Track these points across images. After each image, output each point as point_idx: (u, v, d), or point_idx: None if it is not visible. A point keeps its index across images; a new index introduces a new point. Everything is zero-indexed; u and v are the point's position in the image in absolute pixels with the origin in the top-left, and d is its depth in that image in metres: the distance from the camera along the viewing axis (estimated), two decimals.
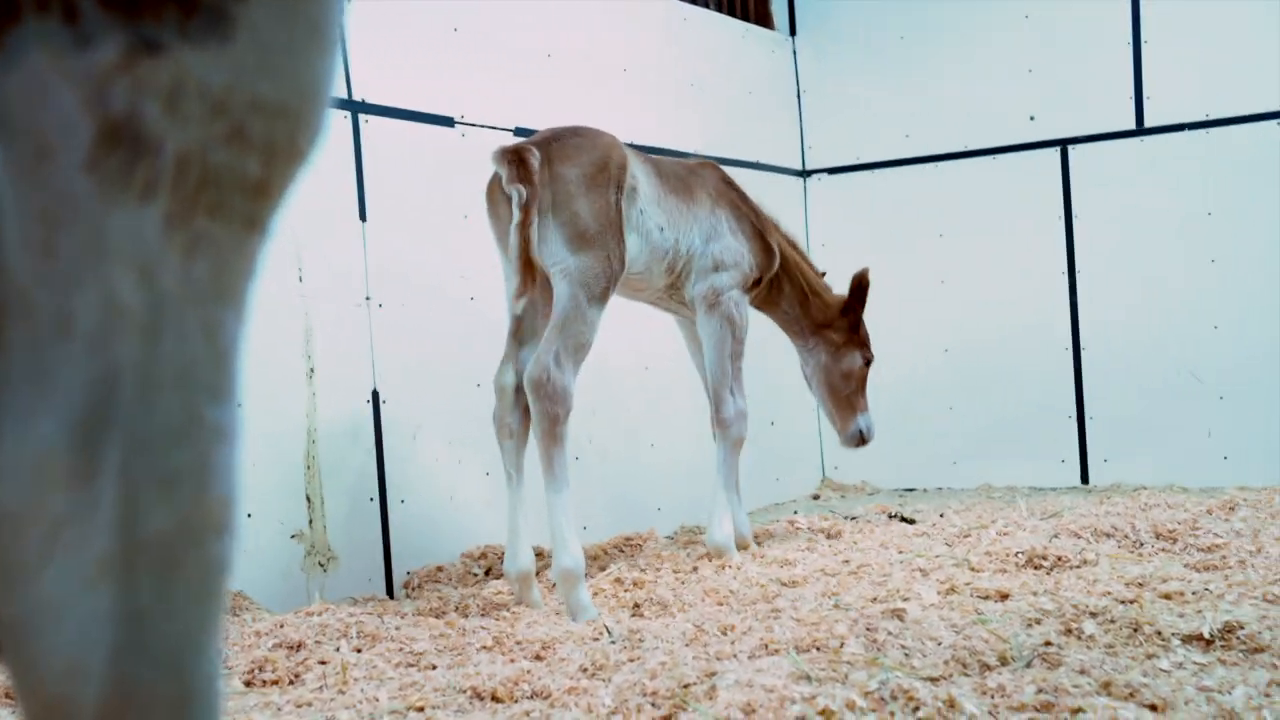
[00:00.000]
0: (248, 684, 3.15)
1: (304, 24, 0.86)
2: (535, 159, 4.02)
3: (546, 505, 3.99)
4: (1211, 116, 6.05)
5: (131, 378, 0.81)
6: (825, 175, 7.04)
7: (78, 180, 0.79)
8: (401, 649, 3.40)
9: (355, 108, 4.49)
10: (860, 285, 5.06)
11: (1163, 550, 4.18)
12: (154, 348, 0.82)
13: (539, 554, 4.61)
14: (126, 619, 0.82)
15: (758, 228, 4.85)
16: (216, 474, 0.85)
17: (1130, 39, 6.24)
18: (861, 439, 5.07)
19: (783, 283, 5.00)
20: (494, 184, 4.17)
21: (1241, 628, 2.93)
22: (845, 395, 5.06)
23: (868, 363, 5.10)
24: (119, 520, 0.81)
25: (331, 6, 0.88)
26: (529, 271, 3.95)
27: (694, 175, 4.76)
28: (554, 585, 4.11)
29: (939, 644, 2.95)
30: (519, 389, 4.15)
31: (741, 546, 4.89)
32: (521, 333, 4.27)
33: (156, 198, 0.81)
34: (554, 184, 4.08)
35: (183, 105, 0.80)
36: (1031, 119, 6.51)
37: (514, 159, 4.01)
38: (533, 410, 3.97)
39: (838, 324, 5.07)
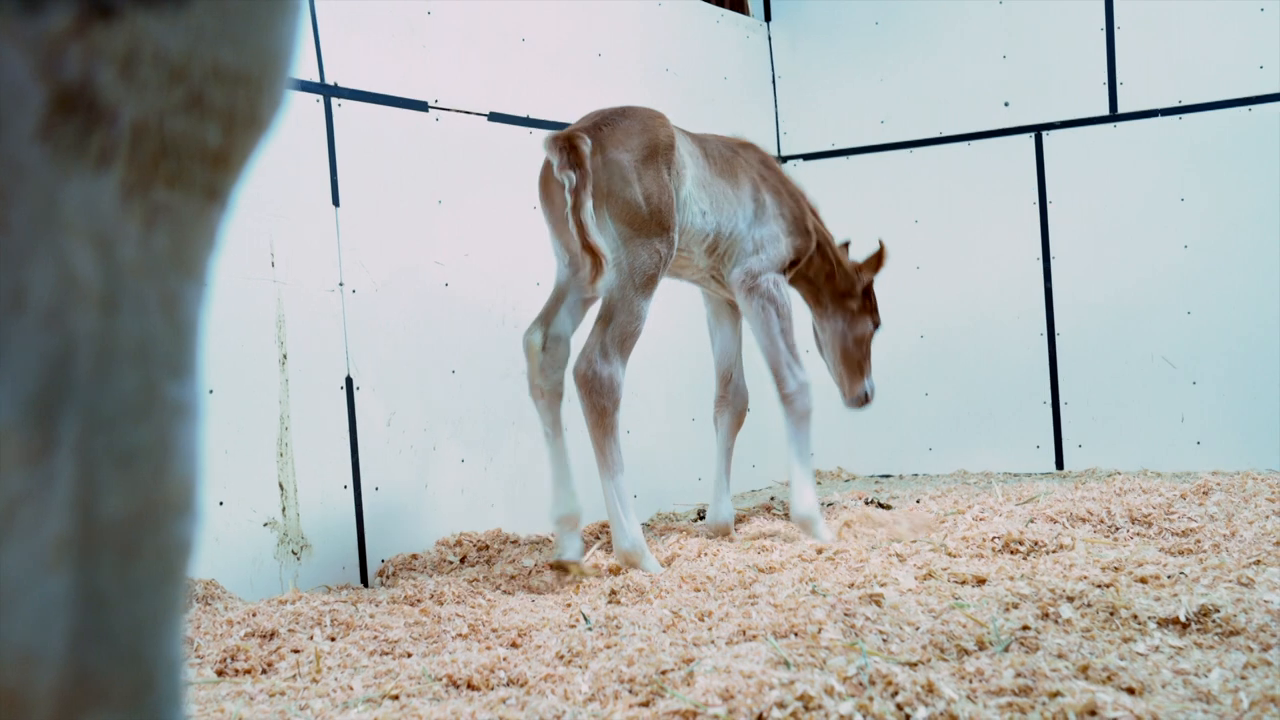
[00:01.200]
0: (220, 673, 3.12)
1: None
2: (587, 145, 4.03)
3: (602, 491, 4.11)
4: (1184, 102, 6.06)
5: (88, 352, 0.78)
6: (801, 161, 7.02)
7: (30, 150, 0.76)
8: (376, 637, 3.37)
9: (328, 91, 4.44)
10: (879, 257, 5.16)
11: (1138, 535, 4.19)
12: (111, 321, 0.79)
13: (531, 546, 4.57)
14: (85, 603, 0.79)
15: (795, 211, 4.84)
16: (178, 452, 0.82)
17: (1104, 25, 6.24)
18: (866, 399, 5.20)
19: (814, 259, 5.02)
20: (546, 171, 4.18)
21: (1217, 611, 2.93)
22: (856, 360, 5.14)
23: (876, 327, 5.20)
24: (76, 500, 0.78)
25: None
26: (594, 256, 3.98)
27: (738, 156, 4.74)
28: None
29: (917, 629, 2.94)
30: (545, 347, 4.27)
31: (723, 533, 4.88)
32: (564, 297, 4.35)
33: (112, 167, 0.78)
34: (606, 170, 4.09)
35: (139, 72, 0.77)
36: (1006, 105, 6.50)
37: (565, 145, 4.02)
38: (581, 403, 4.06)
39: (854, 292, 5.13)
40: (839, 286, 5.11)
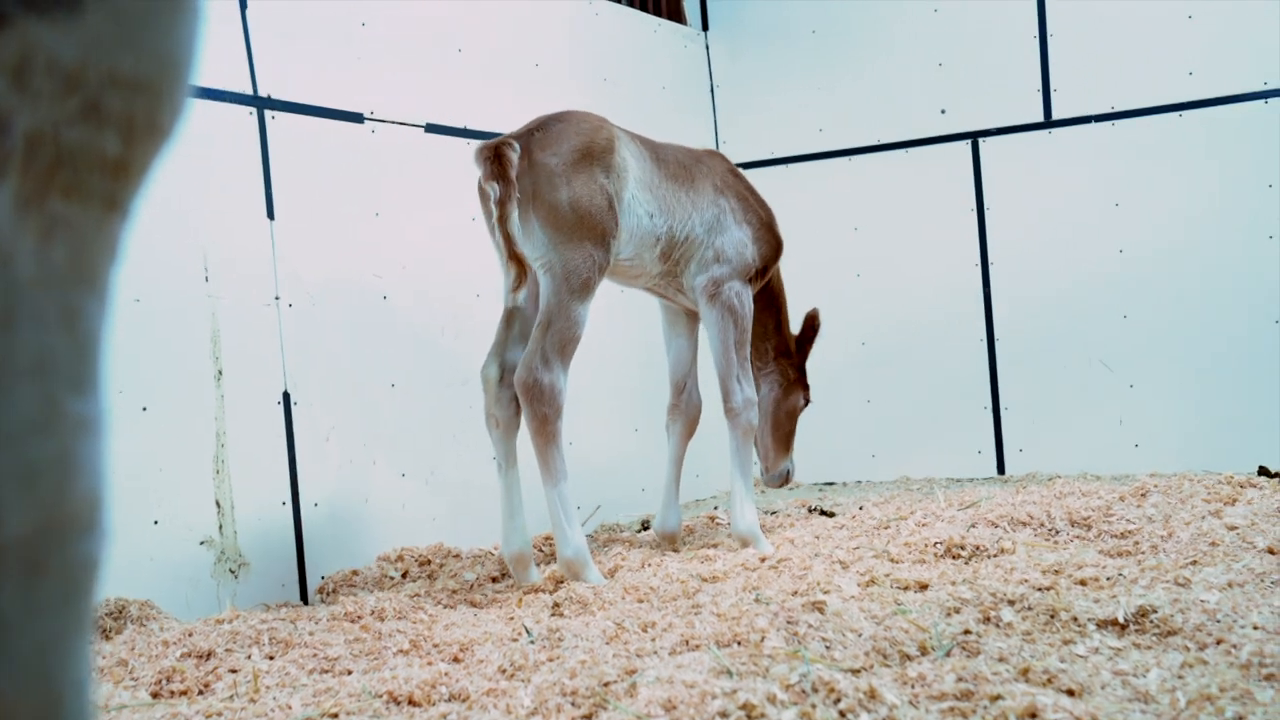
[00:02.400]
0: (155, 695, 3.06)
1: None
2: (515, 153, 4.01)
3: (545, 499, 4.11)
4: (1117, 109, 6.15)
5: None
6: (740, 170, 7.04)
7: None
8: (315, 655, 3.33)
9: (261, 104, 4.40)
10: (811, 325, 5.12)
11: (1078, 537, 4.24)
12: (8, 336, 0.77)
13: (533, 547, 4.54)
14: None
15: (765, 219, 4.82)
16: (81, 469, 0.80)
17: (1037, 32, 6.32)
18: (785, 479, 5.17)
19: (770, 290, 5.00)
20: (480, 182, 4.14)
21: (1154, 611, 2.96)
22: (784, 433, 5.12)
23: (807, 404, 5.17)
24: None
25: None
26: (519, 265, 4.00)
27: (699, 163, 4.72)
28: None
29: (859, 635, 2.95)
30: (503, 380, 4.23)
31: (669, 541, 4.87)
32: (510, 326, 4.31)
33: (6, 178, 0.76)
34: (533, 174, 4.07)
35: (31, 80, 0.75)
36: (943, 112, 6.57)
37: (491, 155, 4.01)
38: (524, 411, 4.05)
39: (793, 359, 5.12)
40: (780, 344, 5.09)
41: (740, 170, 4.97)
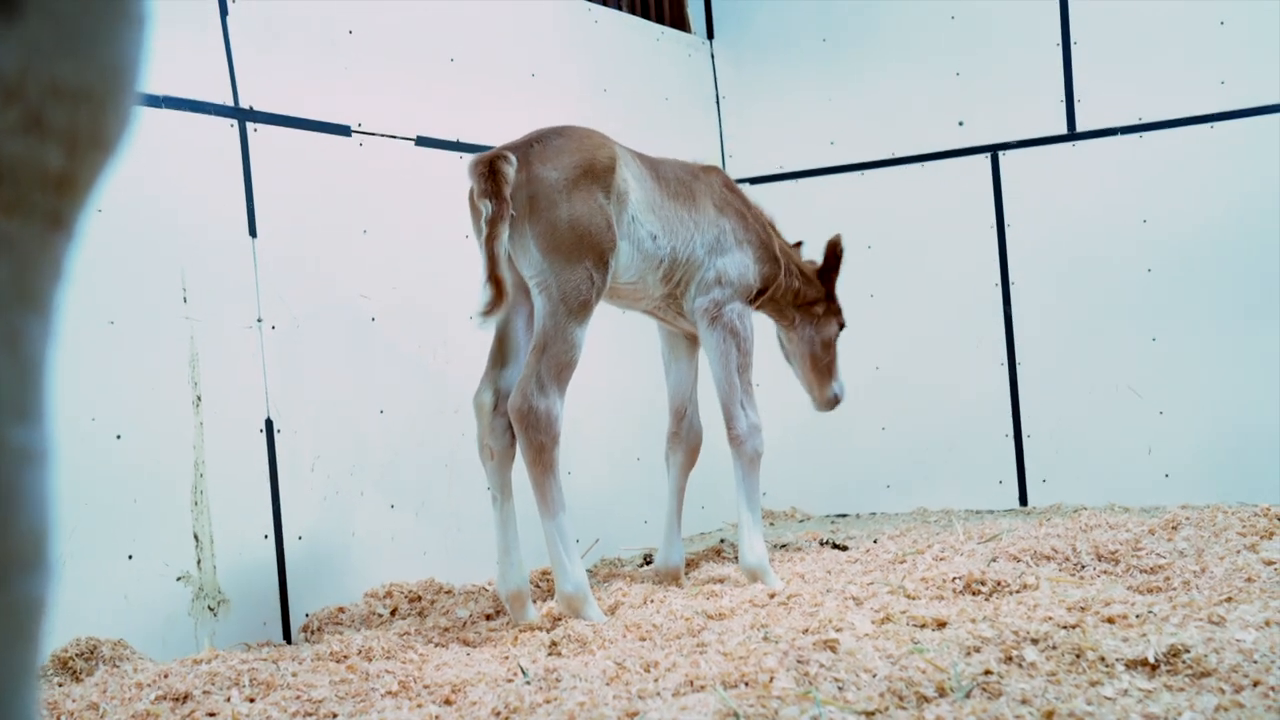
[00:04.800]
0: None
1: None
2: (511, 167, 4.02)
3: (544, 532, 4.12)
4: (1144, 120, 6.17)
5: None
6: (747, 185, 7.07)
7: None
8: (299, 697, 3.32)
9: (243, 116, 4.42)
10: (834, 253, 5.21)
11: (1105, 572, 4.23)
12: None
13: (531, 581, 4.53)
14: None
15: (763, 237, 4.84)
16: (24, 502, 0.79)
17: (1060, 40, 6.34)
18: (836, 400, 5.24)
19: (780, 284, 5.02)
20: (471, 196, 4.13)
21: (1187, 651, 2.95)
22: (825, 364, 5.20)
23: (841, 328, 5.25)
24: None
25: None
26: (497, 288, 3.97)
27: (698, 180, 4.74)
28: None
29: (874, 675, 2.94)
30: (498, 408, 4.24)
31: (672, 578, 4.86)
32: (504, 350, 4.31)
33: None
34: (530, 188, 4.07)
35: None
36: (961, 124, 6.59)
37: (485, 171, 4.00)
38: (518, 439, 4.06)
39: (819, 298, 5.20)
40: (804, 297, 5.15)
41: (737, 185, 4.99)
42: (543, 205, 4.06)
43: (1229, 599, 3.62)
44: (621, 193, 4.27)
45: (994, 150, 6.51)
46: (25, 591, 0.80)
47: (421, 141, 5.12)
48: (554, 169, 4.10)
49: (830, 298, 5.21)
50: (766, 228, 4.92)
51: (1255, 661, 2.89)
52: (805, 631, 3.62)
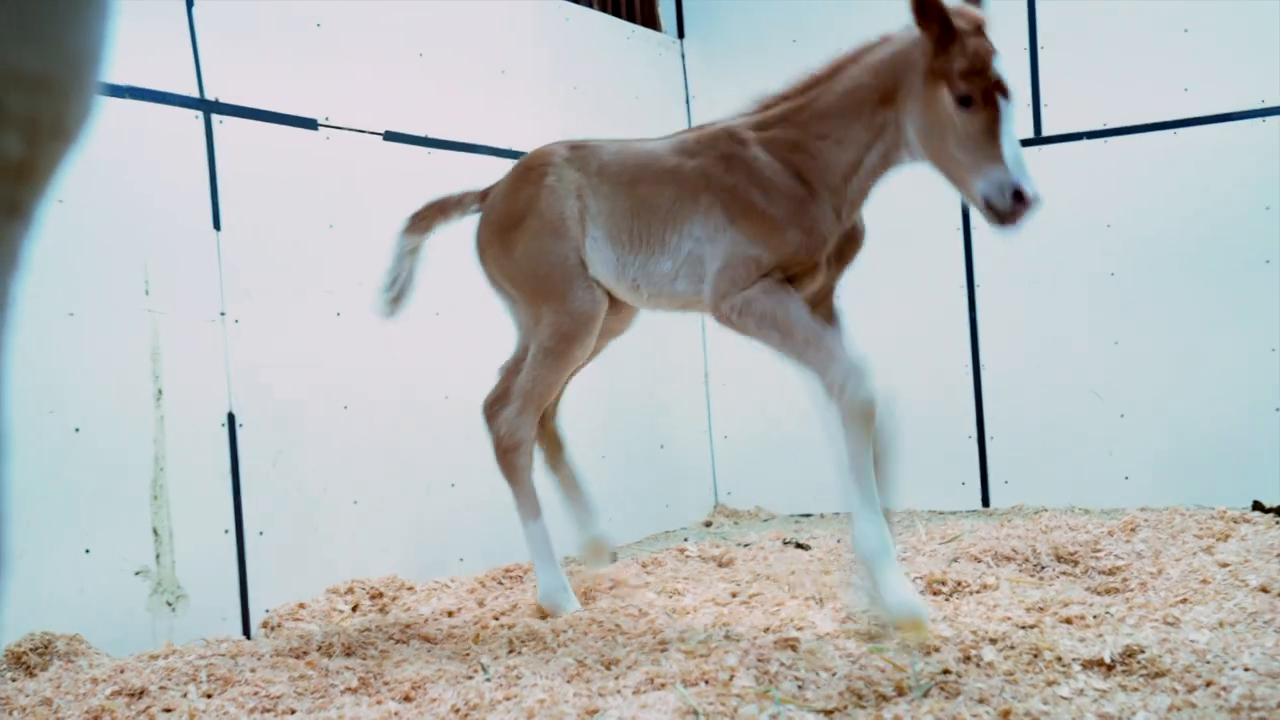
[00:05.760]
0: None
1: None
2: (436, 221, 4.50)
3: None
4: (1109, 125, 6.21)
5: None
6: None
7: None
8: (257, 693, 3.30)
9: (208, 107, 4.38)
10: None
11: (1064, 573, 4.25)
12: None
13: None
14: None
15: (767, 201, 3.86)
16: None
17: (1027, 44, 6.37)
18: (991, 205, 3.61)
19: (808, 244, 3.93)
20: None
21: (1142, 651, 2.98)
22: (954, 147, 3.83)
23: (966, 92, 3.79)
24: None
25: None
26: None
27: (694, 158, 4.08)
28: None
29: (833, 675, 2.95)
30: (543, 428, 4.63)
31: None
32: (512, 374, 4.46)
33: None
34: (483, 249, 4.39)
35: None
36: None
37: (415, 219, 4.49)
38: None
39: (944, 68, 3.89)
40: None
41: (741, 146, 4.08)
42: (495, 263, 4.33)
43: (1184, 600, 3.65)
44: (584, 217, 4.10)
45: None
46: None
47: (390, 136, 5.10)
48: (484, 224, 4.34)
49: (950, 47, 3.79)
50: (786, 196, 3.87)
51: (1208, 662, 2.91)
52: (766, 630, 3.62)
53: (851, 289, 6.67)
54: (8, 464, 0.83)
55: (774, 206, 3.85)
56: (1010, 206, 3.49)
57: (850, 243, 4.20)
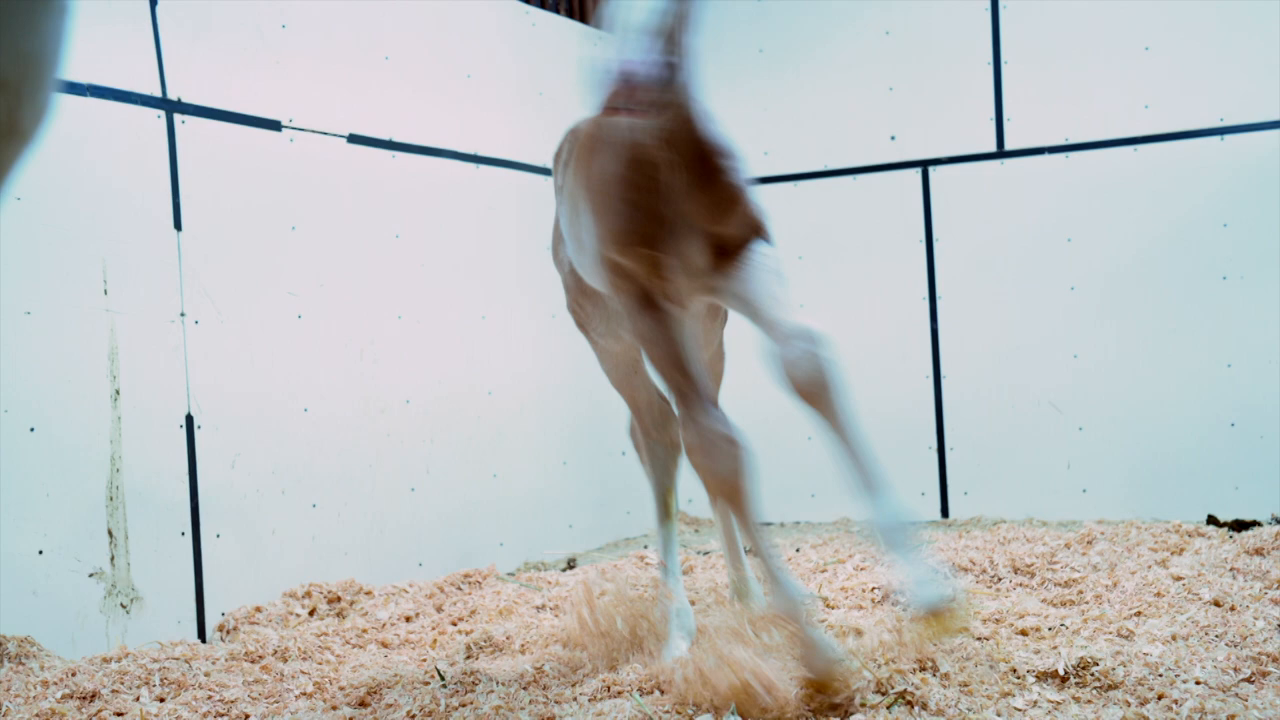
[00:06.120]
0: None
1: None
2: None
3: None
4: (1071, 141, 6.25)
5: None
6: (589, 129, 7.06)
7: None
8: (211, 697, 3.27)
9: (170, 107, 4.35)
10: None
11: (1020, 585, 4.27)
12: None
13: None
14: None
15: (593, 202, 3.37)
16: None
17: (991, 59, 6.41)
18: None
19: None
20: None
21: (1096, 664, 2.99)
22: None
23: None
24: None
25: None
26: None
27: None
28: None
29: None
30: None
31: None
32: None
33: None
34: None
35: None
36: (893, 139, 6.64)
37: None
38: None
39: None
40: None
41: (589, 129, 3.75)
42: None
43: (1138, 613, 3.68)
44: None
45: (925, 165, 6.57)
46: None
47: (354, 139, 5.08)
48: None
49: None
50: (604, 187, 3.29)
51: (1160, 675, 2.93)
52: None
53: (816, 299, 6.71)
54: None
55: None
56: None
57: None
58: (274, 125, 4.73)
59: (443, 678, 3.39)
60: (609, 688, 3.13)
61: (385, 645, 4.02)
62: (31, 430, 3.86)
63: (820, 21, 6.83)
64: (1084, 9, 6.24)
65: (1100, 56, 6.20)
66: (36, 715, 3.07)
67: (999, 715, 2.71)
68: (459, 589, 4.84)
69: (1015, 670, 3.05)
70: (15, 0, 0.79)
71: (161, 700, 3.26)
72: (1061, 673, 2.98)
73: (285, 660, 3.73)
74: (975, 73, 6.47)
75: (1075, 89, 6.25)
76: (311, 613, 4.47)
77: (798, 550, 5.37)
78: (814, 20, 6.84)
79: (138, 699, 3.26)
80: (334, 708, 3.19)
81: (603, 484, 6.37)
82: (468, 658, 3.73)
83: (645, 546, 5.97)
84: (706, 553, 5.49)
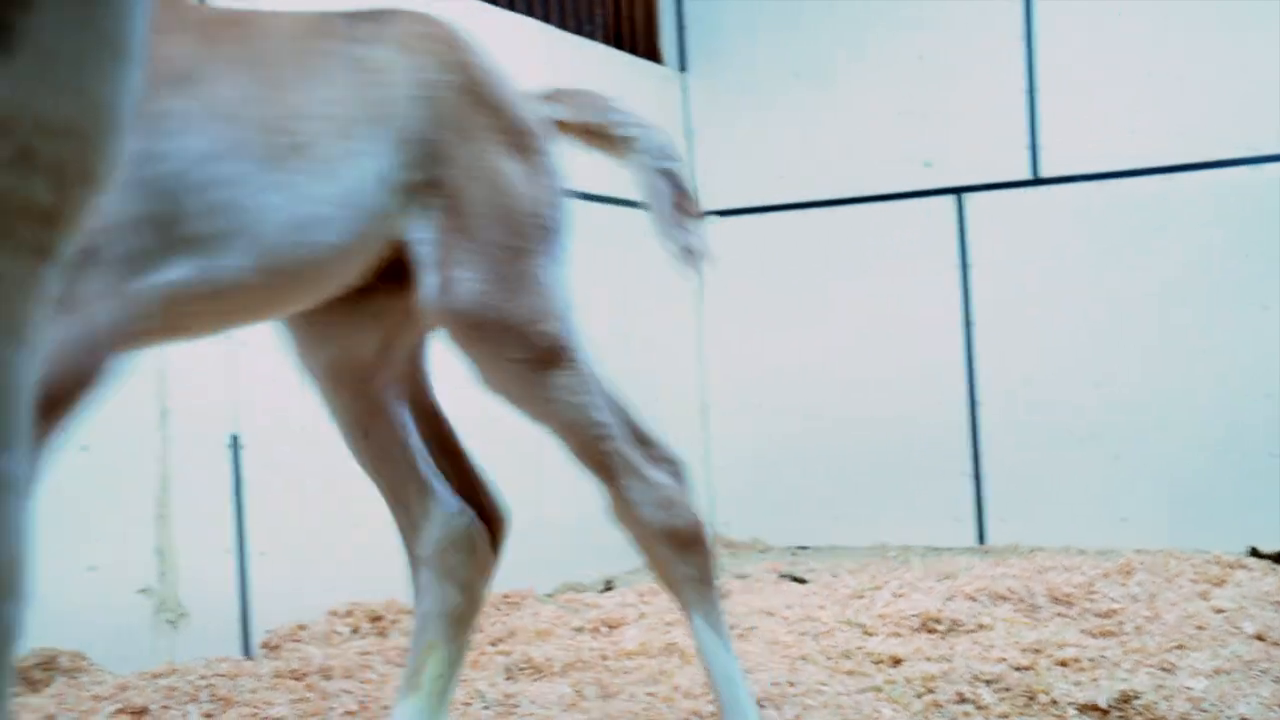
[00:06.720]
0: None
1: (96, 36, 0.82)
2: None
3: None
4: (1107, 169, 6.24)
5: None
6: (717, 218, 7.09)
7: None
8: (256, 714, 3.31)
9: None
10: None
11: (1059, 615, 4.25)
12: None
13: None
14: None
15: None
16: (1, 530, 0.80)
17: (1025, 87, 6.41)
18: None
19: None
20: None
21: (1137, 697, 2.99)
22: None
23: None
24: None
25: (128, 17, 0.84)
26: None
27: None
28: None
29: (835, 710, 2.96)
30: None
31: None
32: None
33: None
34: None
35: None
36: (927, 165, 6.64)
37: None
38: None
39: None
40: None
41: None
42: None
43: (1180, 646, 3.66)
44: None
45: (959, 192, 6.57)
46: (2, 619, 0.81)
47: None
48: None
49: None
50: None
51: (1204, 710, 2.92)
52: (762, 666, 3.63)
53: (852, 323, 6.71)
54: (30, 499, 0.84)
55: None
56: None
57: None
58: None
59: (483, 699, 3.41)
60: (648, 715, 3.14)
61: None
62: (84, 450, 3.91)
63: (854, 47, 6.85)
64: (1119, 38, 6.24)
65: (1136, 84, 6.19)
66: None
67: None
68: (497, 609, 4.86)
69: (1055, 701, 3.05)
70: (88, 52, 0.82)
71: (209, 716, 3.30)
72: (1103, 705, 2.98)
73: (329, 678, 3.75)
74: (1009, 100, 6.47)
75: (1111, 117, 6.24)
76: (354, 631, 4.50)
77: (834, 576, 5.37)
78: (848, 46, 6.86)
79: (185, 715, 3.29)
80: None
81: None
82: (507, 679, 3.75)
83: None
84: (743, 577, 5.49)
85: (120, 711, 3.26)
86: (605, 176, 6.26)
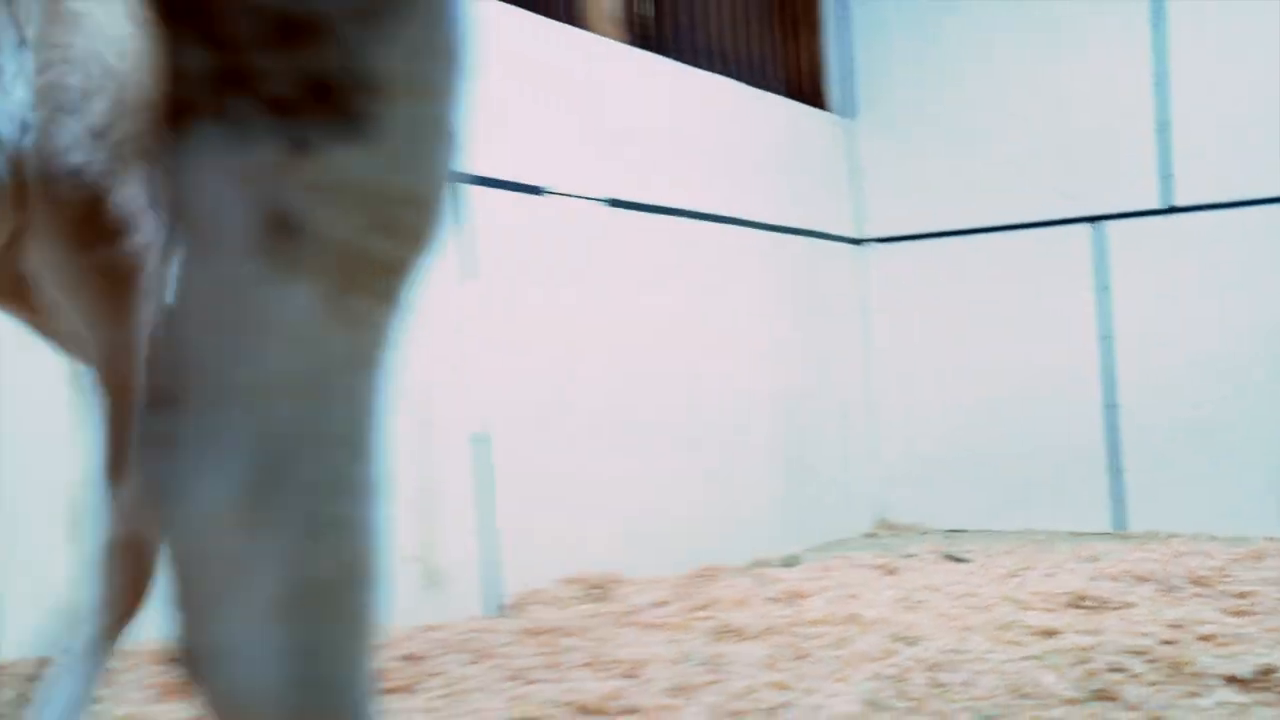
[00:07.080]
0: None
1: (433, 123, 0.89)
2: None
3: None
4: (1237, 198, 6.00)
5: (293, 439, 0.85)
6: (876, 244, 7.04)
7: (244, 264, 0.83)
8: (508, 662, 3.43)
9: None
10: None
11: (1196, 595, 4.11)
12: (312, 412, 0.86)
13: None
14: (299, 654, 0.85)
15: None
16: (365, 526, 0.89)
17: (1155, 116, 6.20)
18: None
19: None
20: None
21: (1276, 670, 2.88)
22: None
23: None
24: (286, 565, 0.85)
25: (455, 107, 0.92)
26: None
27: None
28: None
29: (1000, 677, 2.93)
30: None
31: None
32: None
33: (313, 278, 0.85)
34: None
35: (334, 197, 0.84)
36: (1064, 196, 6.49)
37: None
38: None
39: None
40: None
41: None
42: None
43: None
44: None
45: (1095, 220, 6.40)
46: (368, 596, 0.89)
47: (614, 203, 5.23)
48: None
49: None
50: None
51: None
52: (936, 636, 3.60)
53: (1006, 334, 6.57)
54: (383, 500, 0.92)
55: None
56: None
57: None
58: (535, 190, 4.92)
59: (693, 658, 3.47)
60: (834, 676, 3.16)
61: (644, 626, 4.13)
62: (381, 464, 4.10)
63: (997, 90, 6.70)
64: (1247, 70, 5.97)
65: (1269, 110, 5.91)
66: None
67: (1189, 715, 2.64)
68: (700, 580, 4.91)
69: (1200, 673, 2.96)
70: (429, 134, 0.90)
71: (472, 664, 3.44)
72: (1245, 677, 2.88)
73: (565, 635, 3.87)
74: (1141, 130, 6.26)
75: (1243, 145, 5.98)
76: (580, 597, 4.62)
77: (990, 557, 5.27)
78: (993, 83, 6.71)
79: (450, 664, 3.44)
80: (608, 678, 3.30)
81: (818, 487, 6.39)
82: (714, 640, 3.80)
83: (848, 551, 5.94)
84: (910, 555, 5.43)
85: (400, 657, 3.43)
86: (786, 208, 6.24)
